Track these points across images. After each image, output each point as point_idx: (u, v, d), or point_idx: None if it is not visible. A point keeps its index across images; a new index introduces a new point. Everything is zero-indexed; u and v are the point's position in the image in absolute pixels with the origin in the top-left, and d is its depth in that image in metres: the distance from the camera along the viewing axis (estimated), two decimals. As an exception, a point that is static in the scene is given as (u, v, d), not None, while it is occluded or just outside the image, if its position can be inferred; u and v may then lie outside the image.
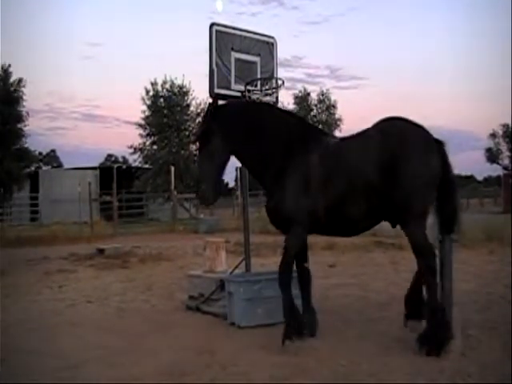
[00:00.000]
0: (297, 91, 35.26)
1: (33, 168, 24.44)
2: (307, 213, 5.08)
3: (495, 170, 50.17)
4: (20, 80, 15.91)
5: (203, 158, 5.33)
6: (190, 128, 29.32)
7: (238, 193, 23.84)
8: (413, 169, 4.93)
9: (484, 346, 4.98)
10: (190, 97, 29.96)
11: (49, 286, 9.00)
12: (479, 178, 75.36)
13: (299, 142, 5.27)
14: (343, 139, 5.55)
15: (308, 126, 5.99)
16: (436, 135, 5.15)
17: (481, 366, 4.49)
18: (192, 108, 30.04)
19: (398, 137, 5.06)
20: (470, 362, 4.59)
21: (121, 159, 61.94)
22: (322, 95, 34.63)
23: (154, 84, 29.60)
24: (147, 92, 29.54)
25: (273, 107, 6.12)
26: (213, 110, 5.38)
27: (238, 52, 6.79)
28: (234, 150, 5.35)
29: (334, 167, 5.11)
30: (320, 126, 33.28)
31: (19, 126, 15.77)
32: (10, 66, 15.92)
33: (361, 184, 5.02)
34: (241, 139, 5.30)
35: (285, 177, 5.15)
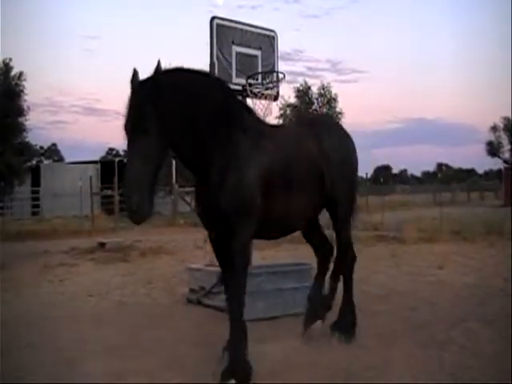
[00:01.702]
0: (298, 85, 35.00)
1: (34, 162, 24.42)
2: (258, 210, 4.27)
3: (496, 164, 50.12)
4: (21, 74, 15.86)
5: (135, 155, 3.64)
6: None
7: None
8: (353, 168, 5.19)
9: (484, 339, 4.99)
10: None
11: (49, 280, 9.01)
12: (480, 171, 75.51)
13: (245, 124, 4.35)
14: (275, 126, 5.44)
15: (240, 102, 4.79)
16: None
17: (481, 358, 4.51)
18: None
19: (343, 138, 5.21)
20: (469, 354, 4.61)
21: (122, 153, 61.77)
22: (323, 89, 34.38)
23: (154, 77, 29.47)
24: (148, 85, 29.42)
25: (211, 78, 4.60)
26: (148, 86, 3.74)
27: (238, 45, 6.79)
28: (173, 141, 3.89)
29: (292, 159, 4.62)
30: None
31: (20, 119, 15.75)
32: (11, 59, 15.90)
33: (314, 178, 4.75)
34: (182, 126, 3.91)
35: (240, 168, 4.16)
